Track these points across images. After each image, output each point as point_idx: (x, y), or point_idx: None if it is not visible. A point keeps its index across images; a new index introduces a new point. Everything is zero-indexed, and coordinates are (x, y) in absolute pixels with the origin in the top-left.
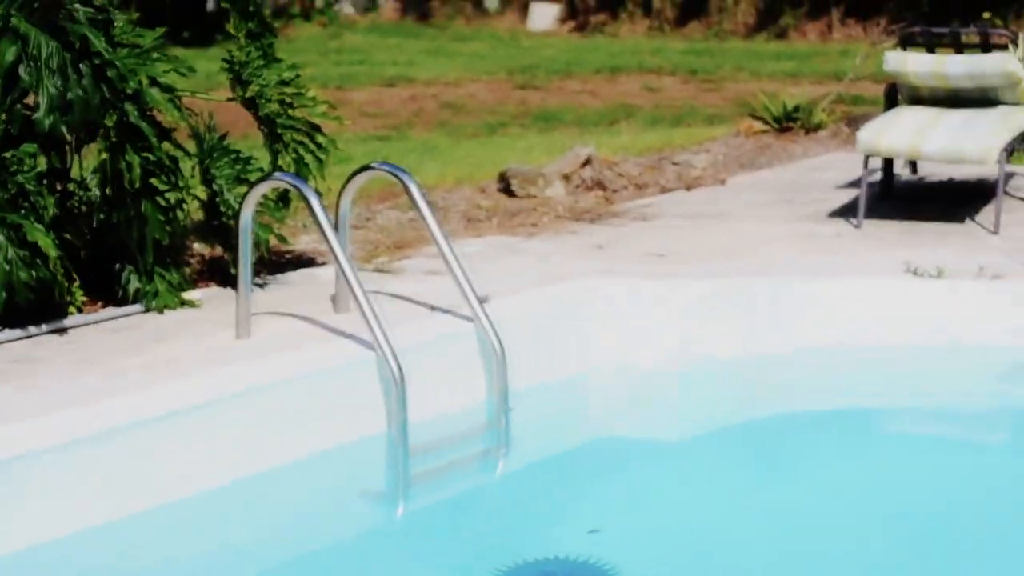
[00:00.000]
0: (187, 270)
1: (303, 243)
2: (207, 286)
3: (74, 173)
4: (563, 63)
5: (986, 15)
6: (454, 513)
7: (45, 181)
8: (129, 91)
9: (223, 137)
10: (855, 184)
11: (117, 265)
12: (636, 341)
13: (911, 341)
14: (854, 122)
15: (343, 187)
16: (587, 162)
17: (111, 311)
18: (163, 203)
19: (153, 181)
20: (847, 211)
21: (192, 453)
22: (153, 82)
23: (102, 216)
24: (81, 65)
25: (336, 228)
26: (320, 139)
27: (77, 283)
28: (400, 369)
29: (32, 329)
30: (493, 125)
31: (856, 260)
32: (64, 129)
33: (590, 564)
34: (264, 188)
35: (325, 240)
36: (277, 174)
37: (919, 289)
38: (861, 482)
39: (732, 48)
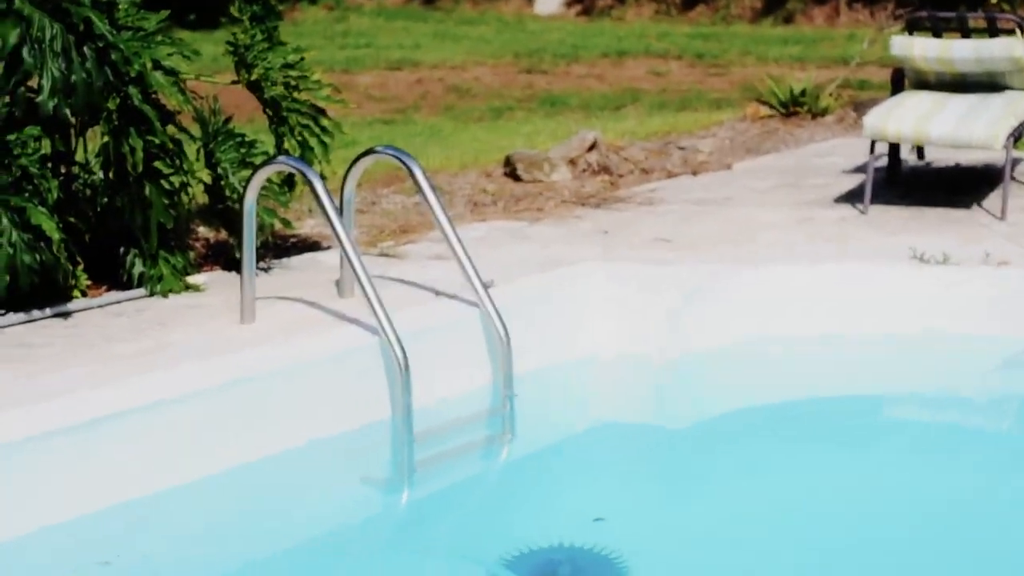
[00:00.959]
0: (191, 254)
1: (308, 227)
2: (211, 270)
3: (78, 156)
4: (569, 47)
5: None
6: (458, 499)
7: (49, 164)
8: (132, 74)
9: (227, 120)
10: (861, 169)
11: (121, 249)
12: (641, 327)
13: (914, 327)
14: (860, 107)
15: (347, 171)
16: (593, 146)
17: (115, 295)
18: (167, 187)
19: (157, 164)
20: (853, 196)
21: (196, 438)
22: (156, 65)
23: (106, 200)
24: (84, 48)
25: (340, 212)
26: (325, 122)
27: (81, 267)
28: (404, 354)
29: (35, 313)
30: (499, 109)
31: (862, 245)
32: (67, 112)
33: (595, 551)
34: (268, 172)
35: (329, 224)
36: (281, 158)
37: (925, 274)
38: (860, 472)
39: (738, 32)
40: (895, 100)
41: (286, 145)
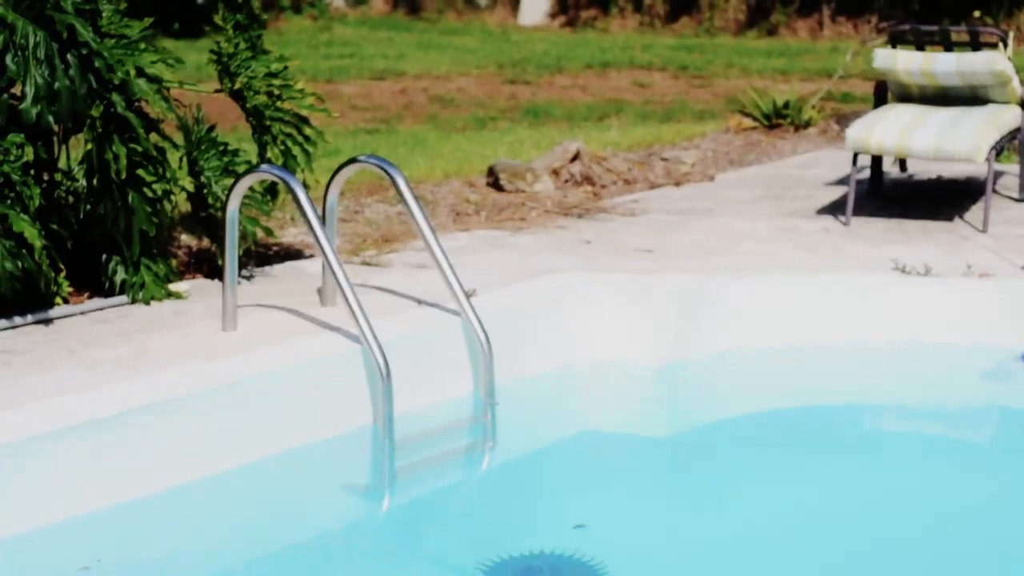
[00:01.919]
0: (174, 262)
1: (290, 235)
2: (194, 278)
3: (61, 164)
4: (553, 58)
5: (976, 14)
6: (439, 507)
7: (32, 171)
8: (116, 82)
9: (211, 129)
10: (844, 181)
11: (104, 256)
12: (622, 337)
13: (896, 339)
14: (843, 119)
15: (330, 180)
16: (576, 157)
17: (97, 302)
18: (150, 194)
19: (140, 172)
20: (835, 208)
21: (176, 445)
22: (140, 73)
23: (88, 207)
24: (68, 55)
25: (323, 221)
26: (308, 131)
27: (63, 274)
28: (386, 362)
29: (17, 319)
30: (482, 119)
31: (844, 257)
32: (51, 119)
33: (575, 559)
34: (251, 180)
35: (312, 233)
36: (264, 166)
37: (906, 286)
38: (847, 481)
39: (722, 44)
40: (878, 113)
41: (269, 154)
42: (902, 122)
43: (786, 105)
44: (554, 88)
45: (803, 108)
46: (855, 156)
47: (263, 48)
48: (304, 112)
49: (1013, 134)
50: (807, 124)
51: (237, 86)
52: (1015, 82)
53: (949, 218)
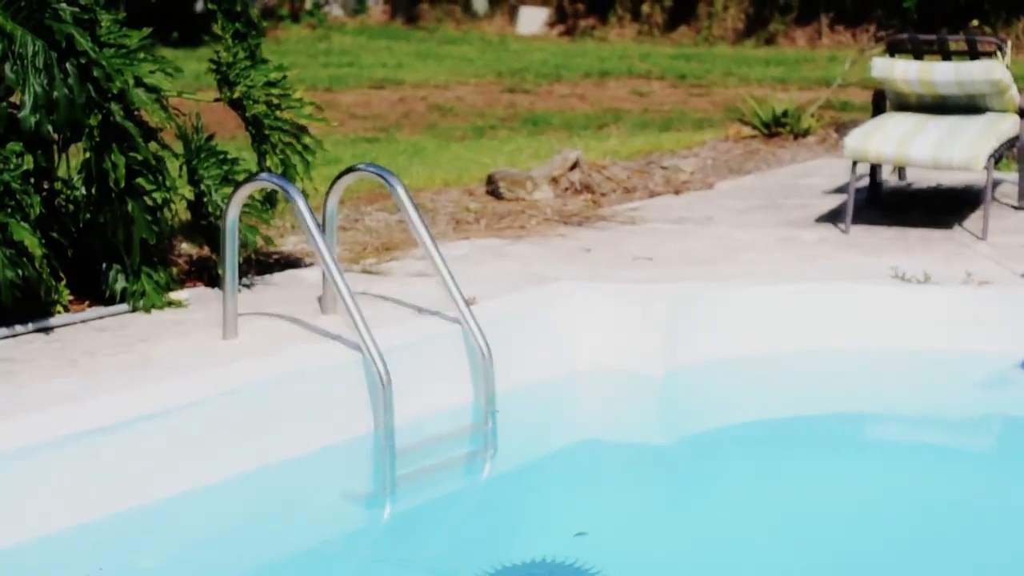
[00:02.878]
0: (174, 270)
1: (290, 244)
2: (194, 286)
3: (60, 172)
4: (552, 67)
5: (974, 23)
6: (440, 515)
7: (31, 180)
8: (115, 91)
9: (210, 138)
10: (842, 190)
11: (103, 264)
12: (622, 344)
13: (895, 347)
14: (842, 128)
15: (330, 188)
16: (575, 165)
17: (97, 310)
18: (149, 203)
19: (139, 181)
20: (834, 216)
21: (176, 453)
22: (139, 82)
23: (88, 215)
24: (67, 64)
25: (323, 229)
26: (307, 140)
27: (63, 282)
28: (386, 371)
29: (17, 328)
30: (481, 128)
31: (843, 265)
32: (50, 128)
33: (576, 567)
34: (250, 189)
35: (312, 241)
36: (263, 175)
37: (905, 294)
38: (846, 489)
39: (721, 53)
40: (876, 121)
41: (268, 162)
42: (900, 131)
43: (785, 114)
44: (553, 97)
45: (802, 117)
46: (854, 164)
47: (262, 57)
48: (303, 121)
49: (1012, 142)
50: (806, 133)
51: (236, 95)
52: (1013, 91)
53: (948, 226)
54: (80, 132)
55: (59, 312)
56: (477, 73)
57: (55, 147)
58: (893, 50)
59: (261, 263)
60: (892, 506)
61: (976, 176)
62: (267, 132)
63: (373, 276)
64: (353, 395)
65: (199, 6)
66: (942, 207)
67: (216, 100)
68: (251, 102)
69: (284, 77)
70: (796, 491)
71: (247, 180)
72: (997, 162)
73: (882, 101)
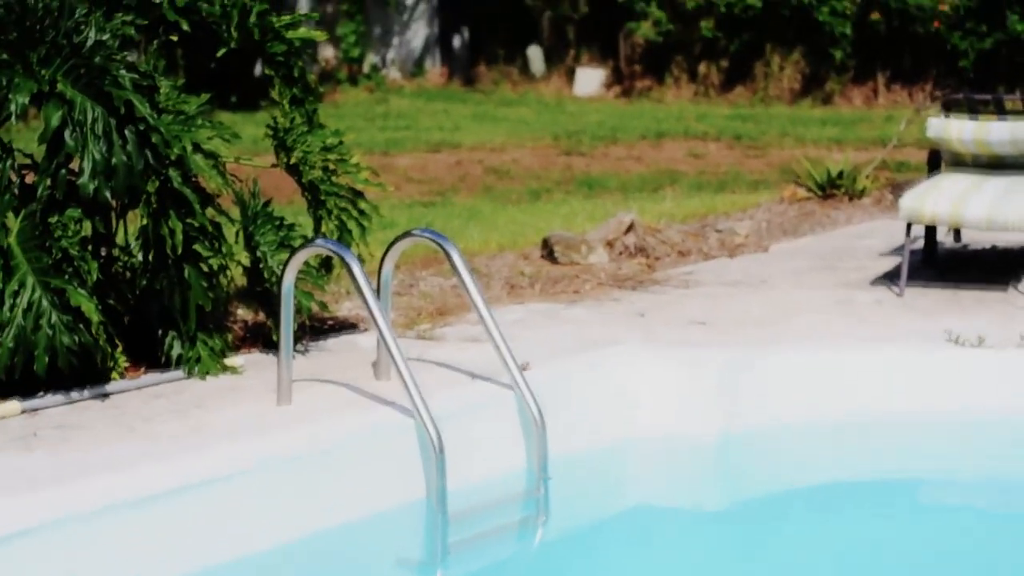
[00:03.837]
0: (229, 336)
1: (345, 309)
2: (249, 352)
3: (118, 238)
4: (608, 128)
5: None
6: None
7: (89, 246)
8: (173, 157)
9: (267, 203)
10: (898, 251)
11: (160, 330)
12: (677, 410)
13: (951, 410)
14: (898, 188)
15: (385, 253)
16: (630, 228)
17: (153, 376)
18: (205, 269)
19: (196, 247)
20: (890, 278)
21: (232, 520)
22: (197, 148)
23: (145, 281)
24: (125, 131)
25: (377, 294)
26: (363, 205)
27: (120, 348)
28: (439, 436)
29: (74, 394)
30: (537, 191)
31: (897, 328)
32: (108, 194)
33: None
34: (306, 254)
35: (366, 306)
36: (319, 240)
37: (959, 358)
38: (901, 555)
39: (777, 113)
40: (931, 182)
41: (324, 227)
42: (955, 191)
43: (840, 175)
44: (609, 159)
45: (857, 178)
46: (909, 226)
47: (319, 122)
48: (359, 186)
49: None
50: (861, 194)
51: (293, 160)
52: None
53: (1003, 288)
54: (138, 198)
55: (116, 378)
56: (534, 135)
57: (113, 213)
58: (948, 109)
59: (316, 328)
60: (957, 571)
61: None
62: (323, 197)
63: (427, 341)
64: (406, 461)
65: (258, 70)
66: (998, 268)
67: (273, 165)
68: (308, 167)
69: (341, 142)
70: (856, 558)
71: (303, 246)
72: None
73: (937, 161)
